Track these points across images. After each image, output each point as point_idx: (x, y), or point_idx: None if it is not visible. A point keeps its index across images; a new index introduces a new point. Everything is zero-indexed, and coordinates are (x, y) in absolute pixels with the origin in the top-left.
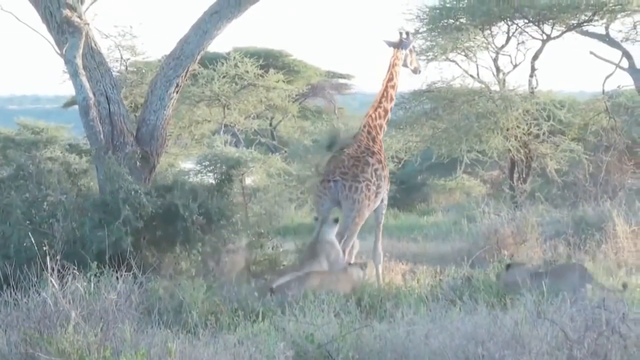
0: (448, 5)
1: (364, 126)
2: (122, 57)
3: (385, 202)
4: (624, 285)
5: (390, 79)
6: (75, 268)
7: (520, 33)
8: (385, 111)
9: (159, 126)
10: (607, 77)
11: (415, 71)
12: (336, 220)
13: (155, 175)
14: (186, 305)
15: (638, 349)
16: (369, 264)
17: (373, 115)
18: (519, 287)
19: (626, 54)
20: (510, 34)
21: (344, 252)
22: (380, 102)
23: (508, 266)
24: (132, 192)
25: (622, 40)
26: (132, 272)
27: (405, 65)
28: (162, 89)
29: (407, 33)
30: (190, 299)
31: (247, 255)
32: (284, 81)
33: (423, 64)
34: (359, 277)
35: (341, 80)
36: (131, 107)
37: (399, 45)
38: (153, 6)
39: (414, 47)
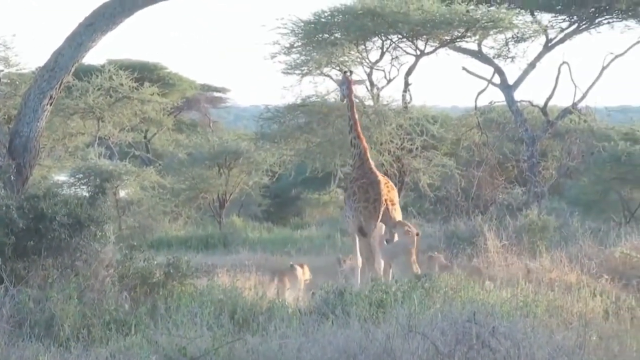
0: (323, 20)
1: (368, 155)
2: None
3: None
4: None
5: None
6: None
7: (394, 48)
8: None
9: (32, 138)
10: (480, 92)
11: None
12: None
13: (27, 187)
14: (57, 318)
15: None
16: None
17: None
18: None
19: (498, 70)
20: (385, 49)
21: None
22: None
23: None
24: (4, 208)
25: (494, 57)
26: (3, 284)
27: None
28: (35, 101)
29: (351, 72)
30: (62, 312)
31: (119, 268)
32: (158, 94)
33: (297, 78)
34: None
35: (216, 94)
36: (4, 119)
37: (355, 82)
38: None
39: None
